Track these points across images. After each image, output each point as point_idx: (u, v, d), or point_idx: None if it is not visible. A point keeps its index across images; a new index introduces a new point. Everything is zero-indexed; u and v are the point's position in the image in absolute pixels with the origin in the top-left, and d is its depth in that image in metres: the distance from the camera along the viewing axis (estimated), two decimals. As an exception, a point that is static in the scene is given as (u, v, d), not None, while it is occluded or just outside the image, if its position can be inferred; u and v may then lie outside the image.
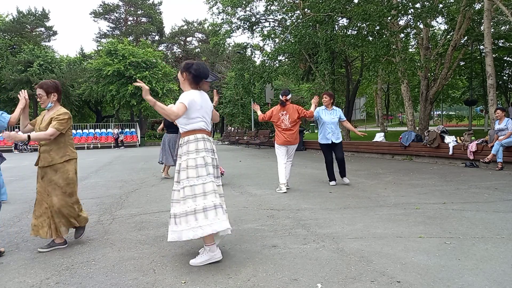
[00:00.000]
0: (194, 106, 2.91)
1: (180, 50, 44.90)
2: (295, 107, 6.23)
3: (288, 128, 6.10)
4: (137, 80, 3.29)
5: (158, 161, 8.48)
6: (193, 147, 2.90)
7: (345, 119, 6.77)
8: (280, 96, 6.28)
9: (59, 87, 3.51)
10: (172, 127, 7.95)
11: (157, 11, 42.27)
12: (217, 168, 3.03)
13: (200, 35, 44.37)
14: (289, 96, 6.26)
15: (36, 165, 3.39)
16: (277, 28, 18.53)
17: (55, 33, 38.86)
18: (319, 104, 6.50)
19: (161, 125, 8.50)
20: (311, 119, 6.57)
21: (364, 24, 11.98)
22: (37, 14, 36.68)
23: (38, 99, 3.44)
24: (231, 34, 17.51)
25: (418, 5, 11.36)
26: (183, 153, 2.93)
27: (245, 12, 17.30)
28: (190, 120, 2.93)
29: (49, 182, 3.30)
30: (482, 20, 11.50)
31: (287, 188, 6.07)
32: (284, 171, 6.08)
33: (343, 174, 6.55)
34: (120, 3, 40.80)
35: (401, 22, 13.22)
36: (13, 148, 23.81)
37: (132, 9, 41.43)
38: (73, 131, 30.10)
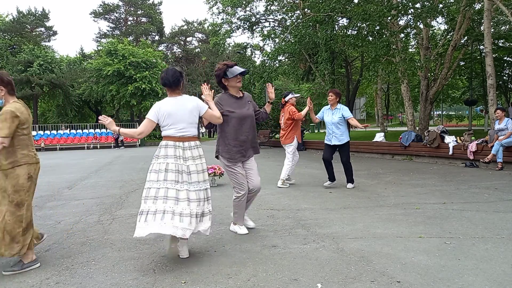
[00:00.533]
0: (161, 115, 3.02)
1: (180, 50, 44.89)
2: (288, 108, 6.43)
3: (282, 128, 6.58)
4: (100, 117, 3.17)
5: None
6: (157, 152, 3.06)
7: (351, 116, 6.11)
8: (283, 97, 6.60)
9: (4, 78, 2.88)
10: None
11: (157, 11, 42.28)
12: (189, 174, 3.00)
13: (200, 35, 44.38)
14: (288, 97, 6.40)
15: None
16: (277, 28, 18.54)
17: (55, 33, 38.88)
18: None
19: None
20: (316, 121, 6.57)
21: (364, 24, 11.97)
22: (37, 14, 36.70)
23: None
24: (231, 34, 17.52)
25: (418, 5, 11.36)
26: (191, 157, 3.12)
27: (245, 12, 17.31)
28: (163, 128, 3.08)
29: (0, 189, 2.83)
30: (482, 20, 11.50)
31: (281, 187, 6.46)
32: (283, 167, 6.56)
33: (348, 179, 6.21)
34: (120, 3, 40.81)
35: (401, 22, 13.21)
36: None
37: (132, 9, 41.43)
38: (73, 131, 30.14)
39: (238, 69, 3.49)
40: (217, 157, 3.66)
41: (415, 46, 17.95)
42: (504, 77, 19.79)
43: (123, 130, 3.14)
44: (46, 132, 29.24)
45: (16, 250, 2.79)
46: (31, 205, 2.95)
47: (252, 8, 17.36)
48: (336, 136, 6.11)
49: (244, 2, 15.82)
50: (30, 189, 2.91)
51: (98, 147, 27.98)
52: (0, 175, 2.82)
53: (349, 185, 6.20)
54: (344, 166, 6.18)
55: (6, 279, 2.73)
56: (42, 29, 38.22)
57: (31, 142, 2.99)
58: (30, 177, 2.89)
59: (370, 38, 12.39)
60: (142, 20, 42.13)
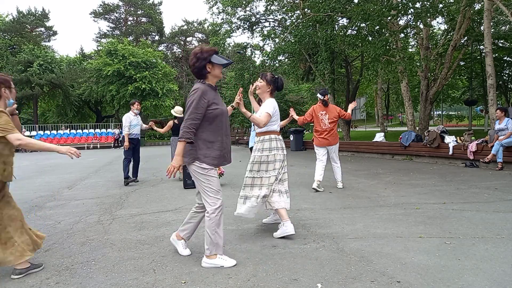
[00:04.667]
0: (275, 112, 3.63)
1: (180, 50, 44.86)
2: (333, 106, 6.18)
3: (328, 128, 5.99)
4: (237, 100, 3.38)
5: None
6: (262, 146, 3.63)
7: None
8: (320, 95, 6.05)
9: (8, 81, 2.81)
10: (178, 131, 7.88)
11: (157, 11, 42.26)
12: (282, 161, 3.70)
13: (200, 35, 44.34)
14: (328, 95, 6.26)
15: None
16: (277, 28, 18.54)
17: (55, 33, 38.86)
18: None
19: (166, 127, 8.19)
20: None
21: (364, 24, 11.97)
22: (37, 14, 36.68)
23: None
24: (231, 34, 17.52)
25: (418, 5, 11.36)
26: (264, 148, 3.62)
27: (245, 12, 17.33)
28: (270, 124, 3.61)
29: None
30: (482, 20, 11.49)
31: (317, 190, 5.91)
32: (321, 169, 6.02)
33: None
34: (120, 3, 40.79)
35: (401, 22, 13.22)
36: None
37: (132, 9, 41.41)
38: (73, 131, 30.15)
39: (224, 58, 3.00)
40: (190, 162, 2.86)
41: (415, 46, 17.96)
42: (504, 77, 19.78)
43: (252, 116, 3.51)
44: (46, 132, 29.24)
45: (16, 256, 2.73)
46: None
47: (252, 8, 17.40)
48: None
49: (244, 2, 15.82)
50: None
51: (98, 147, 27.98)
52: None
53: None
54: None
55: (6, 278, 2.73)
56: (42, 29, 38.20)
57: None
58: None
59: (370, 38, 12.39)
60: (142, 20, 42.11)
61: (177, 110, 8.05)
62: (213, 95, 2.89)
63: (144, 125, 8.07)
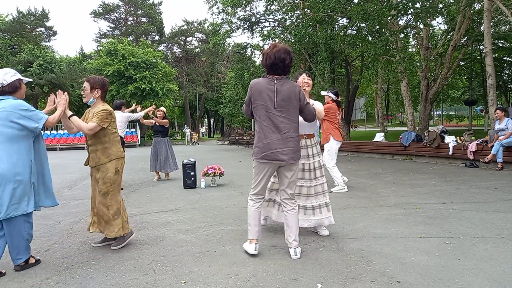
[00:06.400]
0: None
1: (180, 50, 44.83)
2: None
3: (338, 126, 6.13)
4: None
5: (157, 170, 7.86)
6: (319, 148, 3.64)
7: None
8: (334, 96, 6.00)
9: (106, 85, 3.36)
10: (161, 132, 7.82)
11: (157, 11, 42.20)
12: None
13: (200, 35, 44.29)
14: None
15: (86, 165, 3.40)
16: (277, 28, 18.54)
17: (55, 33, 38.80)
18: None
19: (161, 121, 7.86)
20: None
21: (364, 24, 11.97)
22: (37, 14, 36.64)
23: (82, 92, 3.37)
24: (231, 34, 17.51)
25: (418, 5, 11.36)
26: (315, 153, 3.54)
27: (245, 12, 17.32)
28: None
29: (96, 182, 3.33)
30: (482, 20, 11.50)
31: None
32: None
33: None
34: (120, 3, 40.74)
35: (401, 22, 13.22)
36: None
37: (132, 9, 41.37)
38: (73, 131, 30.09)
39: None
40: (300, 156, 3.12)
41: (415, 46, 17.96)
42: (504, 77, 19.79)
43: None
44: (46, 132, 29.24)
45: (114, 232, 3.27)
46: (116, 196, 3.32)
47: (252, 8, 17.39)
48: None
49: (244, 2, 15.81)
50: (116, 182, 3.30)
51: (98, 147, 27.96)
52: (95, 170, 3.32)
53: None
54: None
55: (6, 278, 2.73)
56: (42, 29, 38.15)
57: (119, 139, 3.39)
58: (117, 170, 3.32)
59: (370, 38, 12.39)
60: (142, 20, 42.07)
61: (164, 110, 8.05)
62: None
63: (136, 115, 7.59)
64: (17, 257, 2.82)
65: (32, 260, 2.94)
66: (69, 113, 3.07)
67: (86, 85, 3.26)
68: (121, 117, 7.34)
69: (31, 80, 3.43)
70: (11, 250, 2.81)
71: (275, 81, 2.91)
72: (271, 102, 2.89)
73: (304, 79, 3.55)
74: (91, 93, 3.27)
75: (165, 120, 7.89)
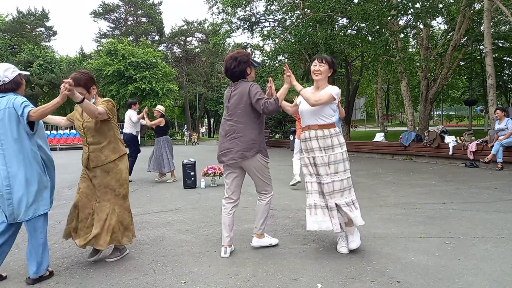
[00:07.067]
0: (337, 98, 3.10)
1: (180, 50, 44.82)
2: None
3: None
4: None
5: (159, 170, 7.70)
6: (342, 139, 3.11)
7: None
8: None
9: (92, 77, 2.99)
10: (157, 131, 7.73)
11: (157, 11, 42.20)
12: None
13: (200, 35, 44.26)
14: None
15: (87, 167, 2.94)
16: (277, 28, 18.53)
17: (55, 33, 38.80)
18: None
19: (156, 122, 7.70)
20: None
21: (364, 24, 11.97)
22: (37, 14, 36.65)
23: None
24: (231, 34, 17.50)
25: (418, 5, 11.36)
26: (335, 145, 3.03)
27: (245, 12, 17.30)
28: (335, 113, 3.13)
29: (99, 186, 2.91)
30: (482, 20, 11.50)
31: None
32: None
33: None
34: (120, 3, 40.72)
35: (401, 22, 13.22)
36: None
37: (132, 9, 41.35)
38: (73, 131, 30.14)
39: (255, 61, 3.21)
40: (252, 154, 3.03)
41: (415, 46, 17.96)
42: (504, 77, 19.79)
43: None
44: (46, 132, 29.22)
45: (130, 237, 3.04)
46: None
47: (252, 8, 17.36)
48: None
49: (244, 2, 15.80)
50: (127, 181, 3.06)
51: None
52: (101, 171, 2.90)
53: None
54: None
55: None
56: (42, 29, 38.14)
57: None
58: (128, 170, 3.06)
59: (370, 38, 12.39)
60: (142, 20, 42.05)
61: (161, 109, 7.88)
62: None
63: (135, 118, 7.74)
64: (42, 266, 2.61)
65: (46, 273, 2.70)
66: (80, 97, 2.58)
67: (80, 90, 2.81)
68: (134, 116, 7.46)
69: (28, 73, 3.01)
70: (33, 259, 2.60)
71: (232, 87, 3.09)
72: (225, 109, 3.12)
73: (315, 67, 3.08)
74: (89, 94, 2.94)
75: (157, 121, 7.71)
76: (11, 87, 2.60)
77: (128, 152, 7.42)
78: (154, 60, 30.13)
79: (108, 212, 2.89)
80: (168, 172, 7.76)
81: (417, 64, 12.82)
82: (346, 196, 3.00)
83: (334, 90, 3.01)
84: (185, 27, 43.08)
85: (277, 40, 16.02)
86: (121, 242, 2.97)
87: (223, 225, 3.10)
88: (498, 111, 8.20)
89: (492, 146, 8.03)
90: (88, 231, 2.87)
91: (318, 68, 3.06)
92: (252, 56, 3.50)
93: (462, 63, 18.21)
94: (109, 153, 2.92)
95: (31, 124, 2.56)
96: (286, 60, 19.34)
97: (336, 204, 2.98)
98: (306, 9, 13.54)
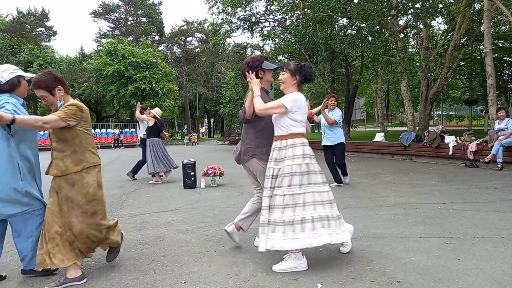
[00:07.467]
0: (301, 108, 2.85)
1: (180, 50, 44.83)
2: None
3: None
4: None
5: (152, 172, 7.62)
6: (300, 151, 2.78)
7: (336, 119, 6.31)
8: None
9: (60, 78, 2.67)
10: (158, 132, 7.72)
11: (157, 11, 42.20)
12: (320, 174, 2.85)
13: (200, 35, 44.27)
14: None
15: (47, 174, 2.66)
16: (277, 28, 18.53)
17: (55, 33, 38.81)
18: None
19: (150, 120, 7.70)
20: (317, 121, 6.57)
21: (364, 24, 11.97)
22: (37, 14, 36.65)
23: (43, 102, 2.73)
24: (231, 34, 17.51)
25: (418, 5, 11.37)
26: (287, 157, 2.76)
27: (245, 12, 17.30)
28: (297, 123, 2.84)
29: (65, 199, 2.59)
30: (482, 20, 11.50)
31: None
32: None
33: (343, 174, 6.58)
34: (120, 3, 40.73)
35: (401, 22, 13.22)
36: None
37: (132, 9, 41.35)
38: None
39: (273, 63, 3.17)
40: (248, 158, 3.07)
41: (415, 46, 17.96)
42: (504, 77, 19.80)
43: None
44: (46, 132, 29.25)
45: (109, 244, 2.83)
46: (104, 212, 2.75)
47: (252, 8, 17.36)
48: (327, 137, 6.45)
49: (244, 2, 15.80)
50: (101, 197, 2.70)
51: (99, 147, 27.97)
52: (65, 183, 2.58)
53: (345, 179, 6.59)
54: (340, 168, 6.49)
55: (7, 279, 2.73)
56: (42, 29, 38.15)
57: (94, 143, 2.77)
58: (99, 184, 2.71)
59: (370, 38, 12.39)
60: (142, 20, 42.06)
61: (158, 112, 7.87)
62: (266, 97, 3.03)
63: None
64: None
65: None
66: (8, 118, 2.27)
67: (42, 92, 2.61)
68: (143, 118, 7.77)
69: (31, 75, 2.81)
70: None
71: None
72: None
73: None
74: (53, 96, 2.64)
75: (145, 117, 7.70)
76: (6, 88, 2.60)
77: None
78: (154, 60, 30.15)
79: (76, 232, 2.58)
80: (151, 174, 7.67)
81: (417, 64, 12.84)
82: (287, 214, 2.66)
83: (287, 98, 2.82)
84: (185, 27, 43.08)
85: (277, 40, 16.02)
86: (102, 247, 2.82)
87: (245, 208, 3.25)
88: (503, 111, 8.16)
89: (492, 146, 8.03)
90: (57, 249, 2.56)
91: (281, 77, 2.96)
92: (253, 55, 3.45)
93: (462, 63, 18.20)
94: (70, 164, 2.58)
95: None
96: (286, 60, 19.33)
97: (269, 220, 2.71)
98: (306, 9, 13.55)
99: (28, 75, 2.77)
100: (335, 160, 6.39)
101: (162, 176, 7.81)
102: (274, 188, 2.76)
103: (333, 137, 6.38)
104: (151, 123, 7.63)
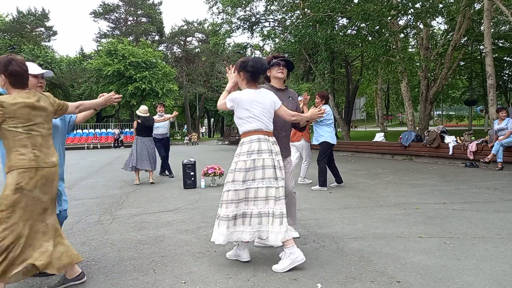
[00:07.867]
0: (240, 105, 2.80)
1: (180, 50, 44.86)
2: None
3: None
4: None
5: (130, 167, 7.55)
6: (246, 148, 2.79)
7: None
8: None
9: (9, 64, 2.27)
10: (144, 131, 7.66)
11: (157, 11, 42.23)
12: (279, 169, 2.82)
13: (200, 35, 44.31)
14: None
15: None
16: (277, 28, 18.53)
17: (55, 33, 38.83)
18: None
19: (134, 130, 7.93)
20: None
21: (364, 24, 11.97)
22: (37, 14, 36.66)
23: None
24: (231, 34, 17.52)
25: (418, 5, 11.36)
26: (236, 154, 2.87)
27: (245, 12, 17.31)
28: (244, 120, 2.82)
29: None
30: (482, 20, 11.50)
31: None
32: None
33: (318, 177, 6.20)
34: (120, 3, 40.75)
35: (401, 22, 13.22)
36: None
37: (132, 9, 41.37)
38: (73, 131, 30.14)
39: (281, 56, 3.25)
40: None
41: (415, 46, 17.96)
42: (504, 77, 19.81)
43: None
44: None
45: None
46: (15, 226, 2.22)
47: (252, 8, 17.37)
48: (315, 135, 6.38)
49: (244, 2, 15.80)
50: (13, 204, 2.20)
51: (99, 147, 27.98)
52: None
53: (315, 187, 6.17)
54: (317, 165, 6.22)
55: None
56: (42, 29, 38.17)
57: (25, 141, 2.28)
58: (19, 188, 2.22)
59: (370, 38, 12.39)
60: (142, 20, 42.08)
61: (141, 110, 7.80)
62: (274, 94, 3.02)
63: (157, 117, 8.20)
64: None
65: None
66: None
67: None
68: (160, 117, 8.04)
69: (44, 71, 2.69)
70: None
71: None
72: None
73: None
74: None
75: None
76: None
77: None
78: (154, 60, 30.17)
79: None
80: (132, 171, 7.62)
81: (417, 64, 12.84)
82: (230, 209, 2.77)
83: (230, 95, 2.83)
84: (185, 27, 43.10)
85: (277, 40, 16.02)
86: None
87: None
88: (504, 111, 8.16)
89: (492, 146, 8.03)
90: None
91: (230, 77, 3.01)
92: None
93: (462, 63, 18.20)
94: (5, 165, 2.32)
95: None
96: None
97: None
98: (306, 9, 13.54)
99: (40, 71, 2.71)
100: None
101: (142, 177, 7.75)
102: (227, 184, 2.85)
103: (318, 136, 6.21)
104: (134, 124, 7.81)
